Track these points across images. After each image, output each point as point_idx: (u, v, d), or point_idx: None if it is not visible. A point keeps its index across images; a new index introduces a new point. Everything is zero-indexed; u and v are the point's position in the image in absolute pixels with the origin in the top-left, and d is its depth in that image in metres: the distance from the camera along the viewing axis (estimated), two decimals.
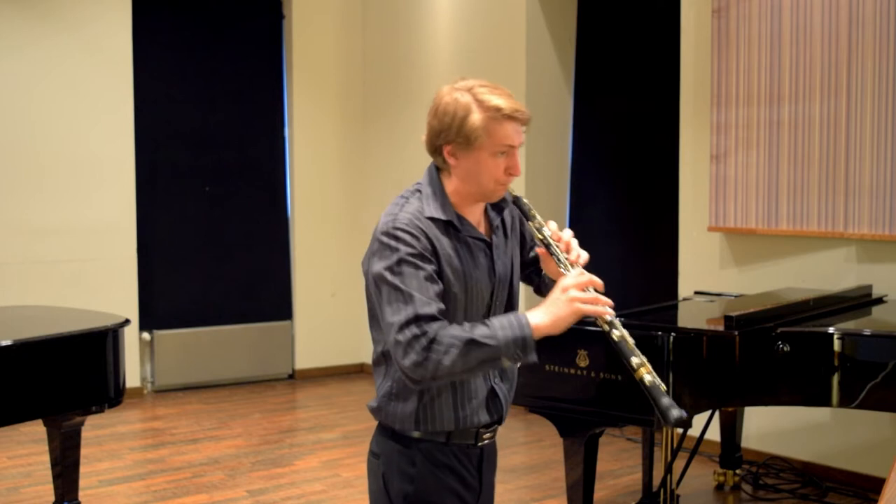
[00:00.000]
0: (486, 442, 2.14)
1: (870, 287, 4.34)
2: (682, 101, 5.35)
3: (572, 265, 2.02)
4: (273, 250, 7.37)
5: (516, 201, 2.12)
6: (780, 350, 3.38)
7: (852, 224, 4.53)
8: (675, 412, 1.85)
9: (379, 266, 1.97)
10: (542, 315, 1.94)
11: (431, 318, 1.91)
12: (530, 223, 2.10)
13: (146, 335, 6.83)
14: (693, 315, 4.11)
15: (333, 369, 7.45)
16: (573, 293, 1.94)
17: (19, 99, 6.31)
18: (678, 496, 4.19)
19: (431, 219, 2.02)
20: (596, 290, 1.97)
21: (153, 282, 6.90)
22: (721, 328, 3.44)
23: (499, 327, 1.92)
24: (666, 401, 1.86)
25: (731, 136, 4.99)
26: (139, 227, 6.73)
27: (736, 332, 3.37)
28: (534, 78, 6.24)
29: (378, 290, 1.98)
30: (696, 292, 4.69)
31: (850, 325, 3.60)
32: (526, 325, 1.92)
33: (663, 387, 1.89)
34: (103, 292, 6.43)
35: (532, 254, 2.26)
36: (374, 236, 2.01)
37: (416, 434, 2.06)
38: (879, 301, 4.25)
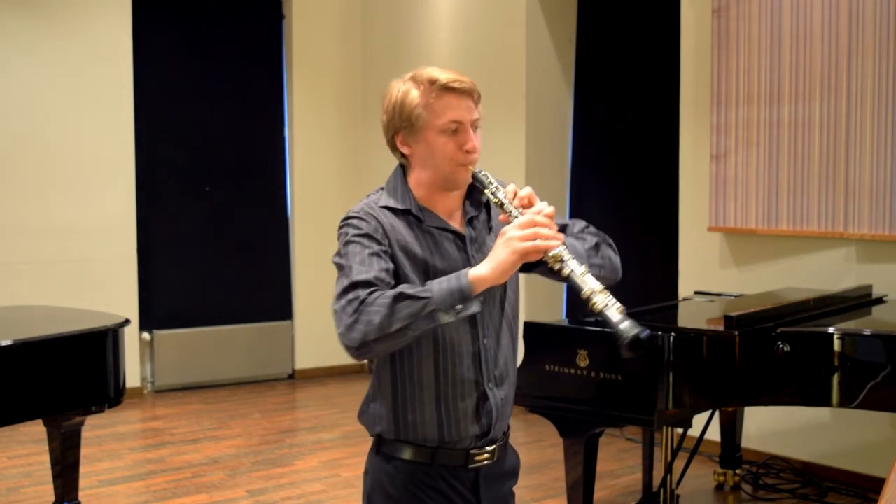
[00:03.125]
0: (478, 464, 2.01)
1: (870, 287, 4.34)
2: (682, 101, 5.34)
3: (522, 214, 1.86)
4: (273, 250, 7.37)
5: (474, 176, 1.96)
6: (780, 350, 3.38)
7: (852, 224, 4.53)
8: (632, 331, 1.72)
9: (333, 257, 1.94)
10: (482, 266, 1.82)
11: (367, 284, 1.83)
12: (486, 190, 1.94)
13: (146, 335, 6.83)
14: (693, 315, 4.11)
15: (333, 369, 7.44)
16: (512, 234, 1.80)
17: (19, 99, 6.31)
18: (678, 496, 4.19)
19: (387, 208, 1.96)
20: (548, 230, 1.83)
21: (153, 282, 6.90)
22: (721, 328, 3.44)
23: (436, 282, 1.82)
24: (623, 323, 1.74)
25: (731, 136, 4.99)
26: (139, 227, 6.73)
27: (736, 332, 3.36)
28: (534, 78, 6.24)
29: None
30: (696, 292, 4.69)
31: (850, 325, 3.59)
32: (464, 275, 1.80)
33: (619, 308, 1.76)
34: (103, 292, 6.43)
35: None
36: None
37: (405, 455, 1.97)
38: (879, 301, 4.25)
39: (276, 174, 7.39)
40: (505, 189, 1.94)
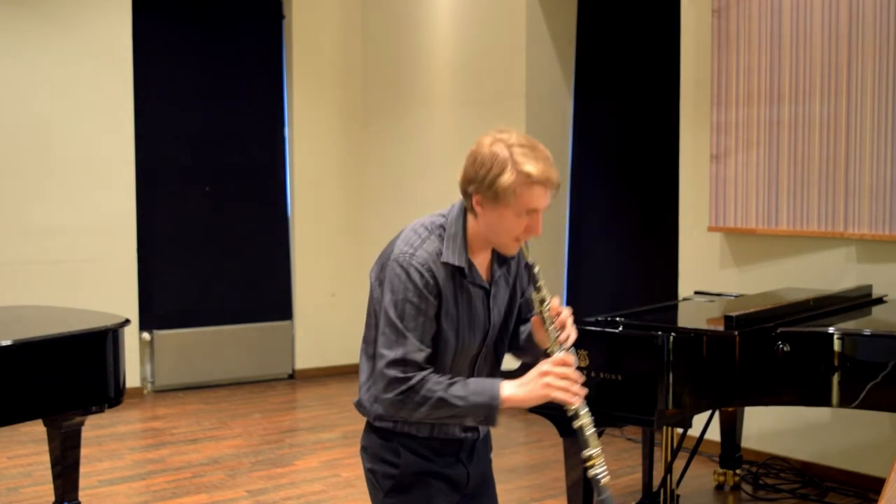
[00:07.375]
0: (468, 436, 2.25)
1: (870, 287, 4.34)
2: (682, 101, 5.34)
3: (559, 345, 2.09)
4: (273, 250, 7.37)
5: (529, 268, 2.17)
6: (781, 350, 3.38)
7: (852, 224, 4.53)
8: None
9: (387, 297, 2.08)
10: (516, 389, 2.05)
11: (418, 366, 2.04)
12: (534, 292, 2.14)
13: (146, 335, 6.83)
14: (693, 315, 4.11)
15: (333, 369, 7.45)
16: (549, 379, 2.03)
17: (20, 99, 6.31)
18: (678, 496, 4.19)
19: (445, 264, 2.09)
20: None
21: (153, 282, 6.90)
22: (721, 328, 3.44)
23: (472, 392, 2.04)
24: (604, 496, 1.98)
25: (731, 136, 4.99)
26: (139, 227, 6.73)
27: (736, 332, 3.37)
28: (534, 78, 6.24)
29: (384, 314, 2.08)
30: (696, 292, 4.69)
31: (850, 325, 3.59)
32: (496, 397, 2.03)
33: (605, 479, 1.99)
34: (103, 292, 6.43)
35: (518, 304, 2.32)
36: (390, 259, 2.09)
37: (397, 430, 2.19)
38: (879, 301, 4.25)
39: (276, 174, 7.39)
40: (551, 301, 2.13)
